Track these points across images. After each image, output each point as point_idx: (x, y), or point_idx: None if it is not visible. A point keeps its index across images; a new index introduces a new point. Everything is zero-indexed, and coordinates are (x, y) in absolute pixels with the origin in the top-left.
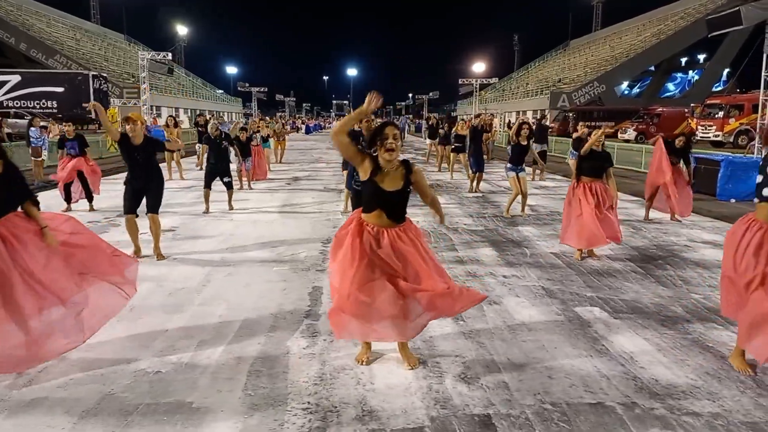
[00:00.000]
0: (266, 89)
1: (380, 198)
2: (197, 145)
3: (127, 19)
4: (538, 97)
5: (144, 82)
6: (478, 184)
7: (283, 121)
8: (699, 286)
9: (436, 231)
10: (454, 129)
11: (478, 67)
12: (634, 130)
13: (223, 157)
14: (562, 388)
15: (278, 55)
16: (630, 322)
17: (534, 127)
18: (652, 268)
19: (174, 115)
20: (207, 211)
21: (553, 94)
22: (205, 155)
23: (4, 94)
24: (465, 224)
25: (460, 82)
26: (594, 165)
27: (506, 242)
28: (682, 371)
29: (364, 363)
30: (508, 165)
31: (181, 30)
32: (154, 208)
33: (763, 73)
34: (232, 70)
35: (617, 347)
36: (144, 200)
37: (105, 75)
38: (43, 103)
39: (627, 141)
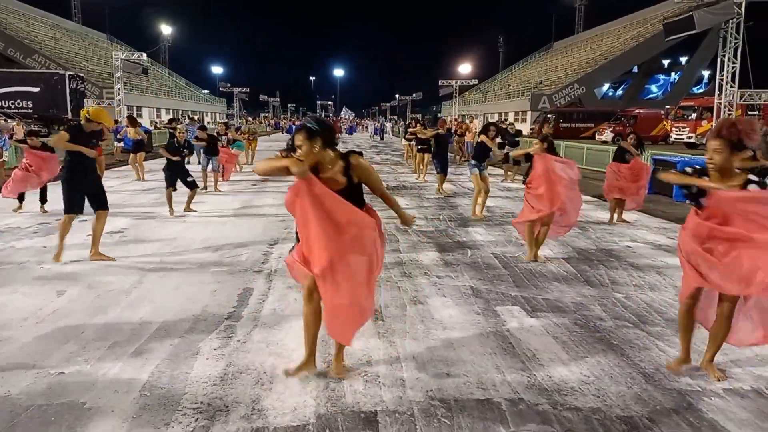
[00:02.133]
0: (248, 89)
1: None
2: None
3: (109, 19)
4: (519, 99)
5: (118, 82)
6: (441, 185)
7: (250, 122)
8: (625, 285)
9: (384, 230)
10: (413, 130)
11: (464, 68)
12: (611, 131)
13: (181, 163)
14: (455, 386)
15: (264, 56)
16: (544, 320)
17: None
18: (585, 268)
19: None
20: (171, 214)
21: (534, 96)
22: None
23: None
24: (417, 225)
25: (440, 84)
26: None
27: (452, 243)
28: (579, 368)
29: (293, 375)
30: (472, 162)
31: (165, 29)
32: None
33: (717, 76)
34: (217, 70)
35: (523, 345)
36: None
37: (82, 75)
38: (19, 103)
39: (605, 143)
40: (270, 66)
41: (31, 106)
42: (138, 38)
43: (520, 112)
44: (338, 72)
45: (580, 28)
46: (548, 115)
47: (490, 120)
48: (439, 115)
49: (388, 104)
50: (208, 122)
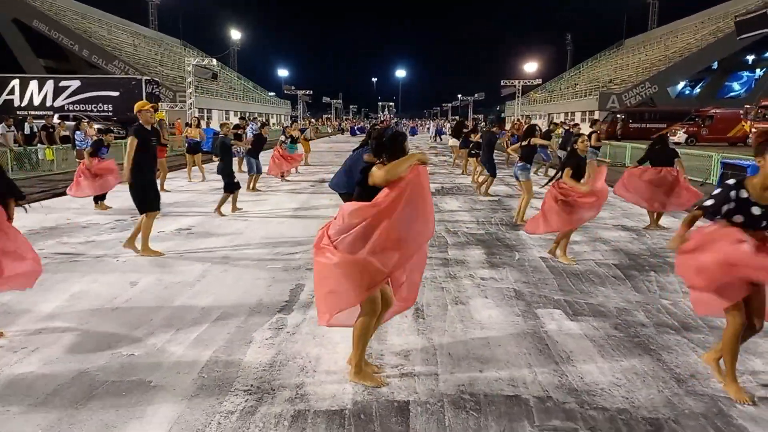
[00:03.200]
0: (311, 92)
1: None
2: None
3: (183, 25)
4: (587, 99)
5: (189, 87)
6: (487, 188)
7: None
8: (673, 292)
9: (435, 234)
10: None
11: (530, 66)
12: (685, 132)
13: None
14: (487, 382)
15: (329, 58)
16: (584, 324)
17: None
18: (635, 273)
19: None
20: (232, 211)
21: (602, 95)
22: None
23: (65, 99)
24: (467, 228)
25: (502, 84)
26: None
27: (500, 246)
28: (611, 371)
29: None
30: (518, 164)
31: (235, 35)
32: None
33: None
34: (283, 72)
35: (559, 347)
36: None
37: (157, 80)
38: (100, 107)
39: (677, 144)
40: (334, 68)
41: (111, 109)
42: (209, 43)
43: (587, 112)
44: (400, 73)
45: (653, 24)
46: (618, 115)
47: (555, 121)
48: (501, 115)
49: (449, 105)
50: (273, 123)
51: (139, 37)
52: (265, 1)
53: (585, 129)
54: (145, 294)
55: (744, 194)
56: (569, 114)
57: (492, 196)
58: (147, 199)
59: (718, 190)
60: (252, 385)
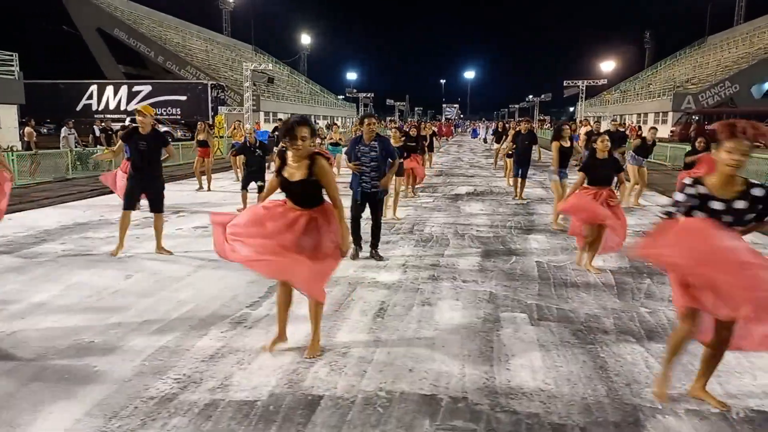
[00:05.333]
0: (372, 95)
1: (284, 187)
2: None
3: (255, 31)
4: (660, 99)
5: (247, 91)
6: (521, 190)
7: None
8: (659, 300)
9: (441, 234)
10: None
11: (607, 66)
12: None
13: (258, 164)
14: (411, 381)
15: (396, 61)
16: (543, 329)
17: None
18: (628, 280)
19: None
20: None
21: (677, 96)
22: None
23: (137, 102)
24: (477, 231)
25: (564, 84)
26: (602, 173)
27: (501, 250)
28: (544, 376)
29: (269, 350)
30: (552, 168)
31: (305, 39)
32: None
33: None
34: (351, 76)
35: (503, 351)
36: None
37: (222, 84)
38: (169, 111)
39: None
40: (402, 71)
41: (179, 112)
42: (281, 48)
43: (661, 114)
44: (469, 74)
45: (740, 20)
46: (693, 117)
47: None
48: (574, 117)
49: (517, 106)
50: (338, 126)
51: (212, 43)
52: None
53: (661, 130)
54: (134, 286)
55: (703, 189)
56: (642, 115)
57: (524, 199)
58: (127, 199)
59: (679, 195)
60: (184, 374)
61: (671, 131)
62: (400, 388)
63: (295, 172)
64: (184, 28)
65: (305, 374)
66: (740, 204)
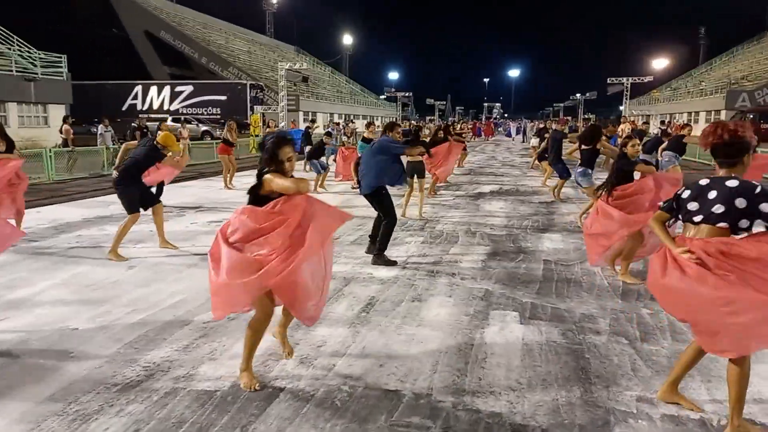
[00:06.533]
0: (410, 94)
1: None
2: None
3: (299, 32)
4: (713, 97)
5: (282, 90)
6: (559, 190)
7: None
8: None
9: (452, 232)
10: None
11: (659, 63)
12: None
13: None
14: (378, 376)
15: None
16: (532, 328)
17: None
18: (636, 282)
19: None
20: None
21: (730, 93)
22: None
23: (180, 103)
24: (491, 229)
25: (608, 81)
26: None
27: (510, 248)
28: (518, 376)
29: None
30: (579, 170)
31: (347, 39)
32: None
33: None
34: (393, 75)
35: (482, 349)
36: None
37: (261, 84)
38: (209, 110)
39: None
40: (445, 70)
41: (219, 112)
42: (324, 49)
43: (713, 112)
44: (513, 73)
45: None
46: (747, 115)
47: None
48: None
49: (561, 104)
50: (378, 125)
51: (255, 44)
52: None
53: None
54: (132, 277)
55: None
56: (693, 114)
57: (560, 198)
58: (132, 202)
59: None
60: (154, 363)
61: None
62: (365, 383)
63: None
64: (228, 30)
65: (273, 366)
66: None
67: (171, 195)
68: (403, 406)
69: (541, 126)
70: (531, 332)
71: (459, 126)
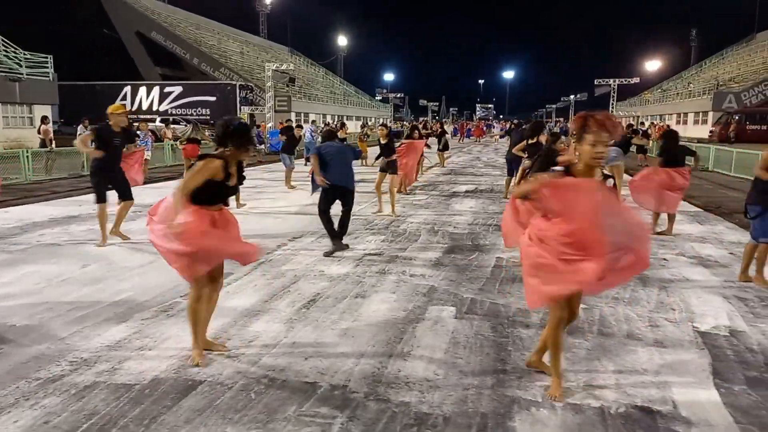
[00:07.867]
0: (402, 95)
1: (220, 193)
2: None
3: (293, 33)
4: (701, 98)
5: (269, 90)
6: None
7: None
8: (602, 297)
9: (415, 230)
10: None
11: (652, 65)
12: None
13: None
14: (300, 369)
15: (434, 61)
16: (465, 322)
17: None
18: None
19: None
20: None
21: (717, 95)
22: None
23: (169, 103)
24: (454, 228)
25: (595, 83)
26: None
27: (468, 246)
28: (438, 367)
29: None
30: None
31: (341, 41)
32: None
33: None
34: (389, 77)
35: (410, 342)
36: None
37: (250, 85)
38: (199, 111)
39: None
40: (440, 72)
41: (208, 113)
42: (318, 50)
43: (701, 113)
44: (508, 74)
45: None
46: (733, 116)
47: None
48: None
49: (554, 106)
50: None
51: (248, 45)
52: (376, 5)
53: (702, 130)
54: (84, 275)
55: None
56: (681, 115)
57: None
58: (98, 192)
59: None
60: (81, 358)
61: (710, 132)
62: (286, 376)
63: (234, 176)
64: (221, 31)
65: (208, 361)
66: None
67: (149, 195)
68: (315, 397)
69: (509, 126)
70: (462, 326)
71: (431, 126)
